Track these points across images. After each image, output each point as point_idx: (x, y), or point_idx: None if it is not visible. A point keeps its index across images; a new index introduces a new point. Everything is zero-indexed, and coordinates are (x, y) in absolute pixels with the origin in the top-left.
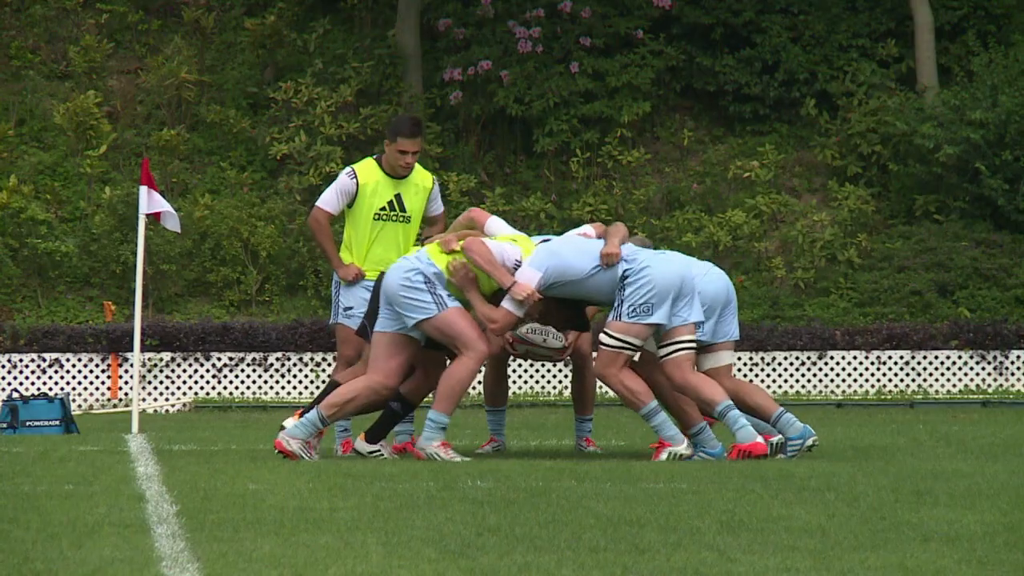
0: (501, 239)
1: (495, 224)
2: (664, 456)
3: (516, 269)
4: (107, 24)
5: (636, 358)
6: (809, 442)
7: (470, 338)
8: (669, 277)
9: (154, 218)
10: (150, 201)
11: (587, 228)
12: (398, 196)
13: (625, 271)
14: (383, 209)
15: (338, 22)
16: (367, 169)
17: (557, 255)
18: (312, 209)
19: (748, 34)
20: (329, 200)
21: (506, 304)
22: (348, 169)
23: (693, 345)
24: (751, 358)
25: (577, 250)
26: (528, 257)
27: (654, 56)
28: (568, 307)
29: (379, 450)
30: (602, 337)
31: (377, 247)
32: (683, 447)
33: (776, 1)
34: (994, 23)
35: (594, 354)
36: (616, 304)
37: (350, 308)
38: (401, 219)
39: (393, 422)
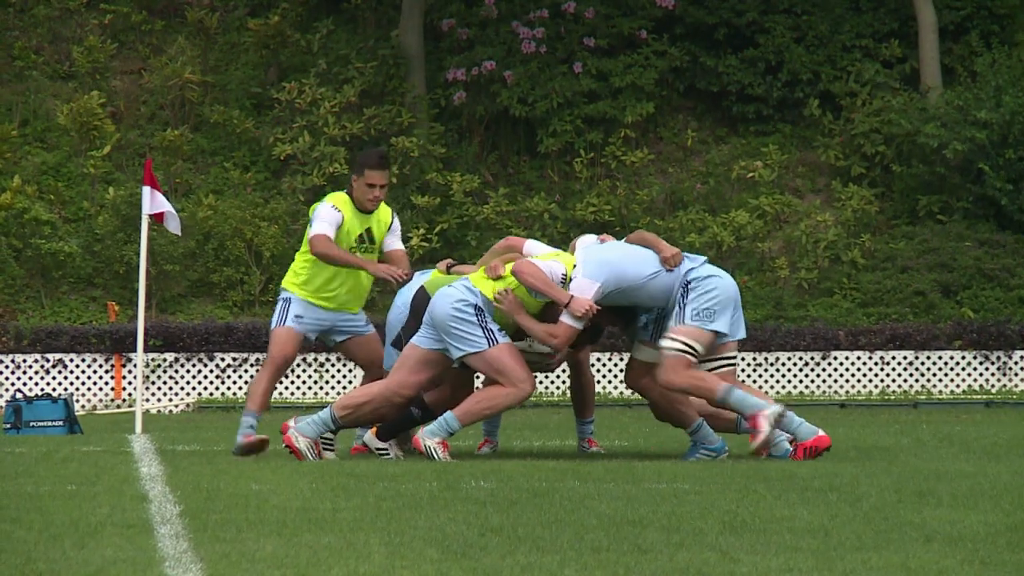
0: (543, 258)
1: (533, 246)
2: (764, 425)
3: (563, 284)
4: (111, 24)
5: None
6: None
7: (518, 376)
8: (731, 287)
9: (156, 219)
10: (153, 202)
11: (588, 237)
12: (368, 230)
13: (690, 276)
14: (359, 242)
15: (342, 22)
16: (342, 202)
17: (611, 264)
18: (312, 243)
19: (751, 34)
20: (325, 228)
21: (565, 319)
22: (327, 203)
23: (735, 361)
24: (754, 358)
25: (629, 257)
26: (579, 268)
27: (658, 56)
28: (616, 312)
29: (387, 449)
30: (664, 342)
31: (349, 279)
32: (774, 407)
33: (779, 1)
34: (998, 23)
35: (592, 358)
36: (678, 309)
37: (300, 316)
38: (371, 251)
39: (409, 425)
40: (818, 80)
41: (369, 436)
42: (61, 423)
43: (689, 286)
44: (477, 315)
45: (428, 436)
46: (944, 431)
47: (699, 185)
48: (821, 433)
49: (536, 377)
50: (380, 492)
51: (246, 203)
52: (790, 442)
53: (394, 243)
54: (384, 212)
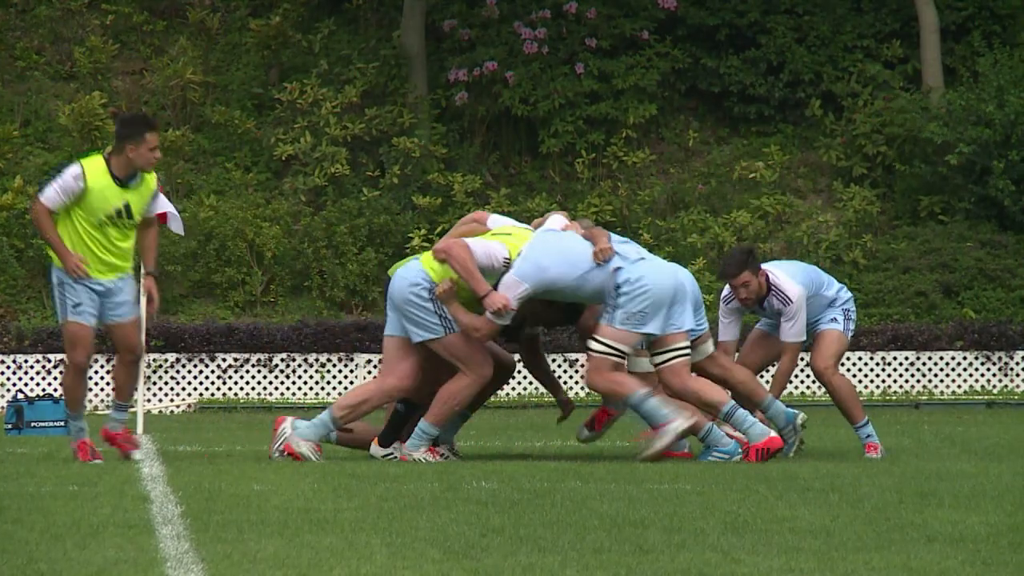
0: (499, 234)
1: (496, 220)
2: (665, 439)
3: (505, 267)
4: (112, 25)
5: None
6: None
7: (475, 361)
8: (664, 287)
9: (159, 220)
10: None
11: (556, 218)
12: (127, 205)
13: (621, 278)
14: (116, 216)
15: (343, 23)
16: (97, 172)
17: (544, 270)
18: (33, 206)
19: (753, 35)
20: (53, 198)
21: (488, 314)
22: (76, 170)
23: (687, 351)
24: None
25: (563, 260)
26: (517, 262)
27: (659, 57)
28: (558, 308)
29: (392, 453)
30: (591, 343)
31: (100, 251)
32: (680, 421)
33: (781, 2)
34: (999, 23)
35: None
36: (609, 310)
37: (79, 304)
38: (128, 227)
39: (402, 424)
40: (820, 80)
41: (374, 448)
42: (62, 423)
43: (620, 289)
44: (432, 299)
45: (412, 450)
46: (946, 432)
47: (701, 186)
48: (773, 434)
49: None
50: (382, 493)
51: (247, 203)
52: (743, 445)
53: (154, 208)
54: (149, 183)
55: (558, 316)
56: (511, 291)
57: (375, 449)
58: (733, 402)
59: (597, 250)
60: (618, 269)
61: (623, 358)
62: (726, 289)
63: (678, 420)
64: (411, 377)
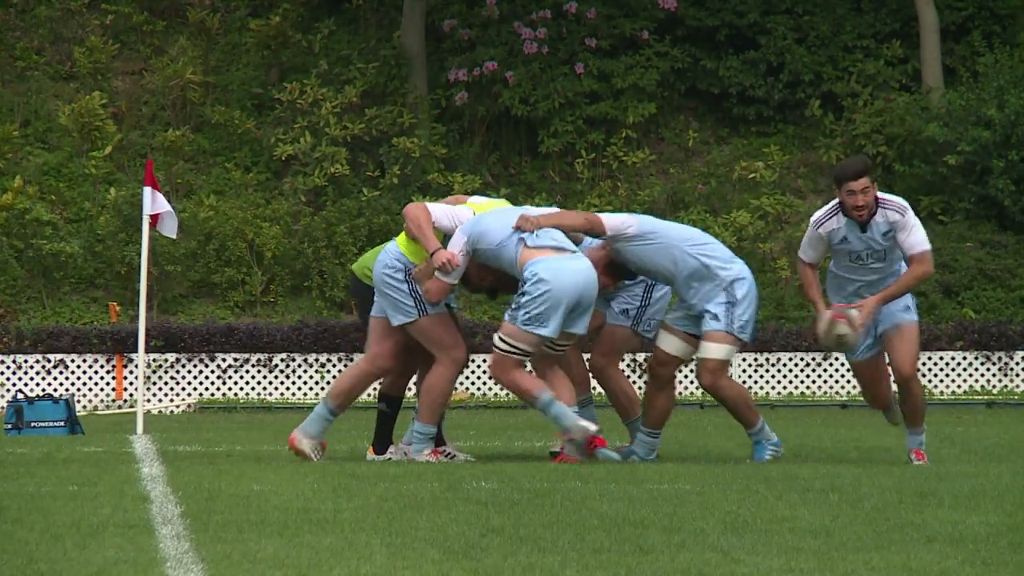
0: (470, 204)
1: (477, 199)
2: (568, 448)
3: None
4: (112, 25)
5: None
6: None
7: (448, 344)
8: (569, 290)
9: (151, 221)
10: (154, 202)
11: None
12: None
13: (529, 272)
14: None
15: (343, 23)
16: None
17: (480, 222)
18: None
19: (753, 35)
20: None
21: (436, 273)
22: None
23: (530, 352)
24: (756, 359)
25: (500, 222)
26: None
27: (659, 57)
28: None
29: (390, 456)
30: (496, 340)
31: None
32: (587, 428)
33: (781, 2)
34: (999, 23)
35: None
36: (513, 307)
37: None
38: None
39: (390, 424)
40: (819, 81)
41: (370, 456)
42: (62, 424)
43: (526, 287)
44: (408, 281)
45: (416, 454)
46: (945, 432)
47: (700, 186)
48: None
49: None
50: (381, 493)
51: (247, 204)
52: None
53: None
54: None
55: (506, 284)
56: (455, 246)
57: (371, 458)
58: (550, 394)
59: (521, 217)
60: (534, 261)
61: (527, 356)
62: (821, 212)
63: (578, 433)
64: (393, 354)
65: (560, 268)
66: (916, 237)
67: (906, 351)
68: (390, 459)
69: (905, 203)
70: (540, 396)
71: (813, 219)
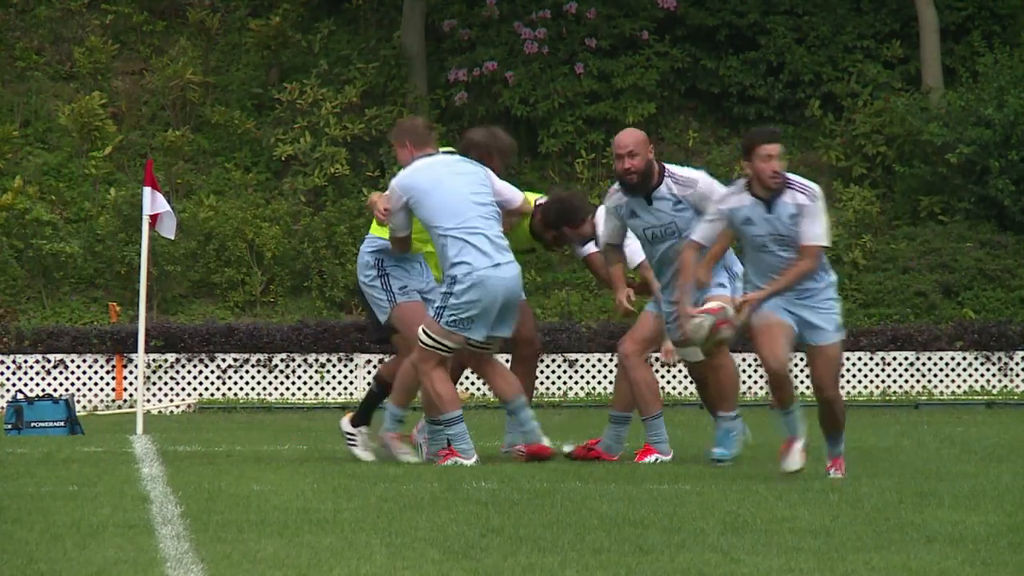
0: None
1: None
2: (448, 462)
3: None
4: (112, 25)
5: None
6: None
7: (414, 333)
8: (495, 295)
9: (150, 221)
10: (154, 202)
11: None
12: None
13: (458, 272)
14: None
15: (343, 23)
16: None
17: (426, 194)
18: None
19: (753, 35)
20: None
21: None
22: None
23: (455, 350)
24: (755, 359)
25: (442, 198)
26: None
27: (659, 57)
28: None
29: (355, 436)
30: (420, 334)
31: None
32: (472, 461)
33: (781, 2)
34: (999, 23)
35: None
36: (438, 304)
37: None
38: None
39: (374, 403)
40: (819, 81)
41: (344, 422)
42: (62, 424)
43: (452, 286)
44: (380, 277)
45: (385, 432)
46: (945, 432)
47: None
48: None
49: (543, 374)
50: (381, 493)
51: (247, 204)
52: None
53: None
54: None
55: None
56: (392, 196)
57: (344, 423)
58: (458, 412)
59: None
60: (462, 264)
61: (450, 353)
62: (725, 190)
63: (468, 459)
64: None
65: (487, 277)
66: (816, 229)
67: (827, 371)
68: (354, 441)
69: (818, 191)
70: (450, 412)
71: (714, 197)
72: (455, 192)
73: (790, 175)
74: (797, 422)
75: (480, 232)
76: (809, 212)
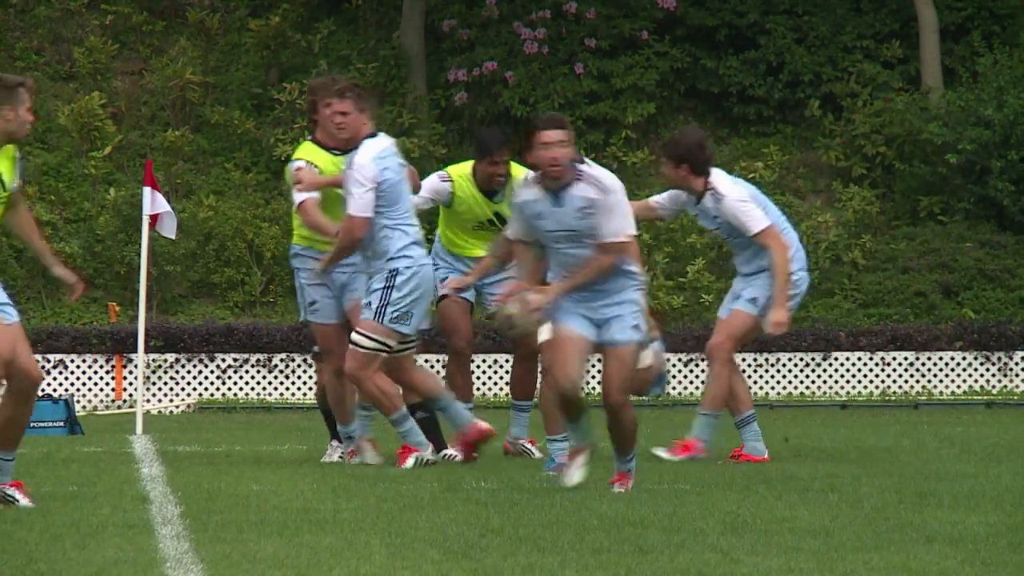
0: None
1: None
2: (410, 462)
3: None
4: (112, 25)
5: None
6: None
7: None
8: (429, 287)
9: (150, 221)
10: (154, 202)
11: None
12: None
13: (400, 265)
14: None
15: (343, 23)
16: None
17: (392, 185)
18: None
19: (752, 35)
20: None
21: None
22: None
23: (413, 346)
24: (755, 359)
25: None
26: None
27: (659, 57)
28: None
29: (329, 451)
30: (355, 337)
31: None
32: (428, 452)
33: (780, 2)
34: (999, 23)
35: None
36: (379, 303)
37: None
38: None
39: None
40: (819, 81)
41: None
42: (62, 424)
43: (396, 277)
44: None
45: (360, 438)
46: (945, 432)
47: None
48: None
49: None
50: (381, 493)
51: (247, 204)
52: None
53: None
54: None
55: None
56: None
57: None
58: (404, 409)
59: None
60: (404, 258)
61: (389, 353)
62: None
63: (424, 451)
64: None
65: (424, 265)
66: (613, 224)
67: (617, 374)
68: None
69: (614, 184)
70: (398, 409)
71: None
72: (403, 183)
73: (587, 167)
74: (585, 431)
75: (416, 225)
76: (602, 207)
